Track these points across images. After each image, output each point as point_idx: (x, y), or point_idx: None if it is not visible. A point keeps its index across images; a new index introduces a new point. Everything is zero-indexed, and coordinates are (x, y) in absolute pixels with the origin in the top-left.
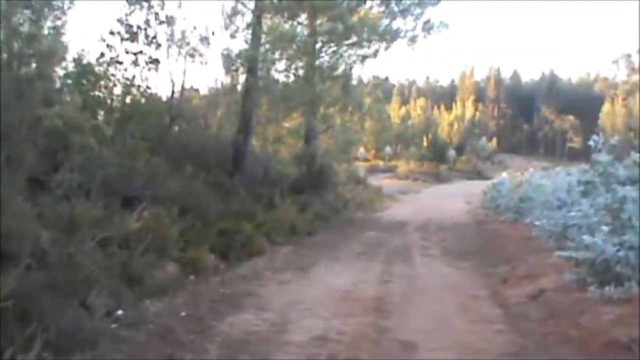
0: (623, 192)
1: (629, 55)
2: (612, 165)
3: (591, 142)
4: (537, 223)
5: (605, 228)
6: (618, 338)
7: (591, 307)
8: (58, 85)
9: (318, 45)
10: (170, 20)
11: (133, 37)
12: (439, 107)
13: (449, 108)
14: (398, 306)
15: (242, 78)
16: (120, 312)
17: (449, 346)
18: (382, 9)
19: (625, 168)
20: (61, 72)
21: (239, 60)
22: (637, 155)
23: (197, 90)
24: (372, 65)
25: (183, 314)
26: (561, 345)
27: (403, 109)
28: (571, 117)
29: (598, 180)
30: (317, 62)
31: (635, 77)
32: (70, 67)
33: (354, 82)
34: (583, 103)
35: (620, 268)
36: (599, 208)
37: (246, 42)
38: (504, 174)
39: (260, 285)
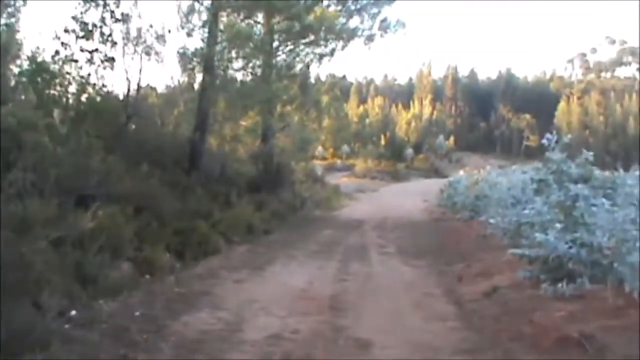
0: (575, 190)
1: (584, 55)
2: (565, 164)
3: (544, 141)
4: (491, 221)
5: (558, 225)
6: (570, 334)
7: (544, 303)
8: (12, 83)
9: (275, 44)
10: (125, 18)
11: (88, 35)
12: (396, 106)
13: (406, 107)
14: (354, 304)
15: (199, 76)
16: (73, 312)
17: (404, 344)
18: (339, 8)
19: (578, 166)
20: (15, 70)
21: (195, 59)
22: (590, 153)
23: (153, 89)
24: (330, 64)
25: (137, 313)
26: (514, 341)
27: (361, 108)
28: (527, 116)
29: (551, 178)
30: (274, 61)
31: (590, 76)
32: (25, 65)
33: (312, 80)
34: (539, 102)
35: (572, 265)
36: (552, 206)
37: (203, 40)
38: (461, 172)
39: (216, 284)
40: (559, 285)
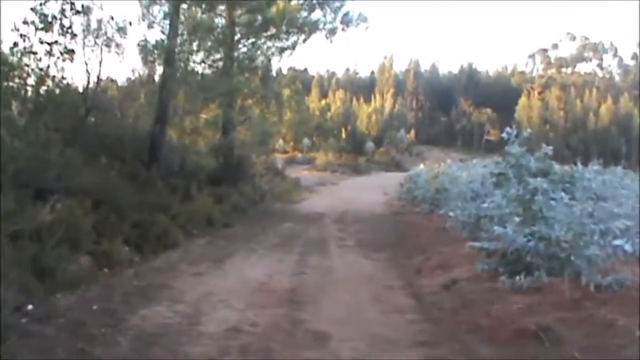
0: (534, 184)
1: (545, 50)
2: (524, 158)
3: (504, 135)
4: (451, 214)
5: (516, 219)
6: (527, 326)
7: (502, 296)
8: None
9: (237, 37)
10: (86, 10)
11: (48, 27)
12: (358, 100)
13: (368, 100)
14: (312, 297)
15: (159, 69)
16: (30, 306)
17: (362, 336)
18: (301, 1)
19: (537, 160)
20: None
21: (156, 51)
22: (549, 148)
23: (114, 81)
24: (291, 57)
25: (95, 307)
26: (472, 334)
27: (322, 101)
28: (488, 110)
29: (510, 172)
30: (235, 54)
31: (551, 71)
32: None
33: (273, 73)
34: (500, 96)
35: (530, 258)
36: (511, 199)
37: (163, 32)
38: (421, 166)
39: (175, 277)
40: (517, 278)
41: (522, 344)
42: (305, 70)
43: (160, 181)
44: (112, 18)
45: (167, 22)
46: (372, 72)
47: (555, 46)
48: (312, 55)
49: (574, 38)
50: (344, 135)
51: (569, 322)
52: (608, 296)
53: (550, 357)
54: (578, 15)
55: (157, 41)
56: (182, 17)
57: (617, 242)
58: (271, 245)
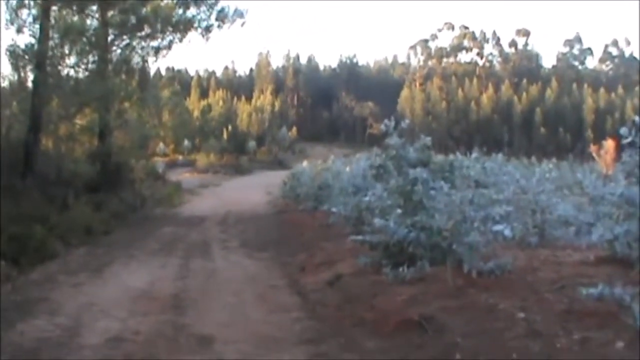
0: (414, 174)
1: (426, 41)
2: (403, 149)
3: (382, 127)
4: (334, 210)
5: (398, 210)
6: (410, 317)
7: (386, 288)
8: None
9: (110, 38)
10: None
11: None
12: (239, 98)
13: (249, 98)
14: (195, 301)
15: (31, 75)
16: None
17: (246, 337)
18: None
19: (416, 151)
20: None
21: (26, 56)
22: (428, 138)
23: None
24: (169, 57)
25: None
26: (357, 327)
27: (202, 102)
28: (370, 104)
29: (390, 164)
30: (109, 56)
31: (432, 62)
32: None
33: (150, 75)
34: (382, 89)
35: (412, 249)
36: (391, 191)
37: (34, 36)
38: (304, 163)
39: (54, 289)
40: (400, 269)
41: (406, 334)
42: (185, 70)
43: (36, 191)
44: None
45: (37, 25)
46: (251, 70)
47: (434, 37)
48: (191, 55)
49: (452, 28)
50: (225, 135)
51: (451, 309)
52: (490, 281)
53: (434, 345)
54: (457, 5)
55: (27, 45)
56: (52, 20)
57: (497, 227)
58: (153, 251)
